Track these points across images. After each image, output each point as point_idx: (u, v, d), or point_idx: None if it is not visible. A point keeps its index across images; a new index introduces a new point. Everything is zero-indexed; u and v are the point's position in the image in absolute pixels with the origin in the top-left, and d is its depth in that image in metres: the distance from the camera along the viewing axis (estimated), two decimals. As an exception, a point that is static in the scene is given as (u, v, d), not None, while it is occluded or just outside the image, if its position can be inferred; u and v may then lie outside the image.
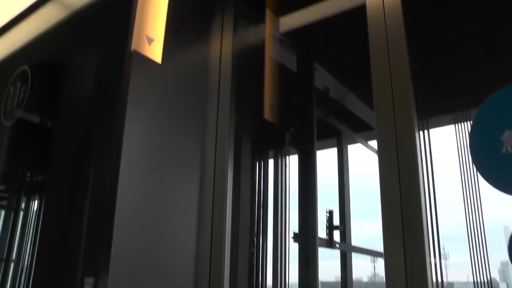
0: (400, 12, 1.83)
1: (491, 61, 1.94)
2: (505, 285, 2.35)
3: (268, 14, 2.54)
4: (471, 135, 1.66)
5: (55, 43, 2.76)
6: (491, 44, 1.99)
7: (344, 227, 3.08)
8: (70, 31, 2.63)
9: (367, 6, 1.90)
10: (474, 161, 1.64)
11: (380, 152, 1.70)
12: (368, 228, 3.46)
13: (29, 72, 2.70)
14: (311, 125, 2.79)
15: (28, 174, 2.94)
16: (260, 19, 2.55)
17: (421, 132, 2.30)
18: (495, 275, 2.12)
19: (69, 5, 2.59)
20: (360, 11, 1.94)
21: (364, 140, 3.38)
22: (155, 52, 2.01)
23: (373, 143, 3.22)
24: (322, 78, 3.02)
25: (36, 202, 2.90)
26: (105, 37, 2.33)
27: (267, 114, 2.38)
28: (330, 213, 2.83)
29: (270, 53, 2.55)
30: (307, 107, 2.83)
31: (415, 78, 1.81)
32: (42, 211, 2.61)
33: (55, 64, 2.65)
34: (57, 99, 2.53)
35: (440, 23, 2.26)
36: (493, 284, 2.11)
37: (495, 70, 1.98)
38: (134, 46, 1.93)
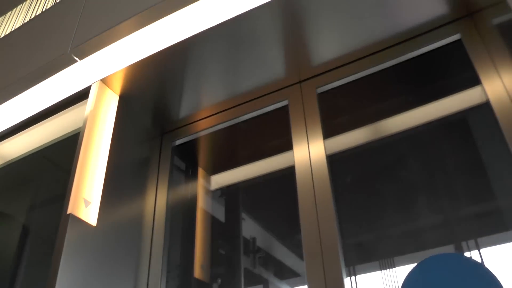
0: (326, 172, 2.07)
1: (411, 217, 2.18)
2: None
3: (201, 172, 2.73)
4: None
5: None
6: (411, 204, 2.24)
7: None
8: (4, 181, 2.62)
9: (296, 166, 2.14)
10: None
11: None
12: None
13: None
14: (238, 275, 2.85)
15: None
16: (193, 176, 2.72)
17: (348, 278, 2.44)
18: None
19: (4, 156, 2.61)
20: (287, 170, 2.15)
21: (290, 287, 3.45)
22: (90, 214, 2.06)
23: (298, 290, 3.31)
24: (250, 228, 3.15)
25: None
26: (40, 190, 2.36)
27: (198, 273, 2.44)
28: None
29: (201, 208, 2.68)
30: (234, 257, 2.91)
31: (342, 229, 2.00)
32: None
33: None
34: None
35: (362, 179, 2.54)
36: None
37: (414, 231, 2.21)
38: (70, 209, 1.98)
